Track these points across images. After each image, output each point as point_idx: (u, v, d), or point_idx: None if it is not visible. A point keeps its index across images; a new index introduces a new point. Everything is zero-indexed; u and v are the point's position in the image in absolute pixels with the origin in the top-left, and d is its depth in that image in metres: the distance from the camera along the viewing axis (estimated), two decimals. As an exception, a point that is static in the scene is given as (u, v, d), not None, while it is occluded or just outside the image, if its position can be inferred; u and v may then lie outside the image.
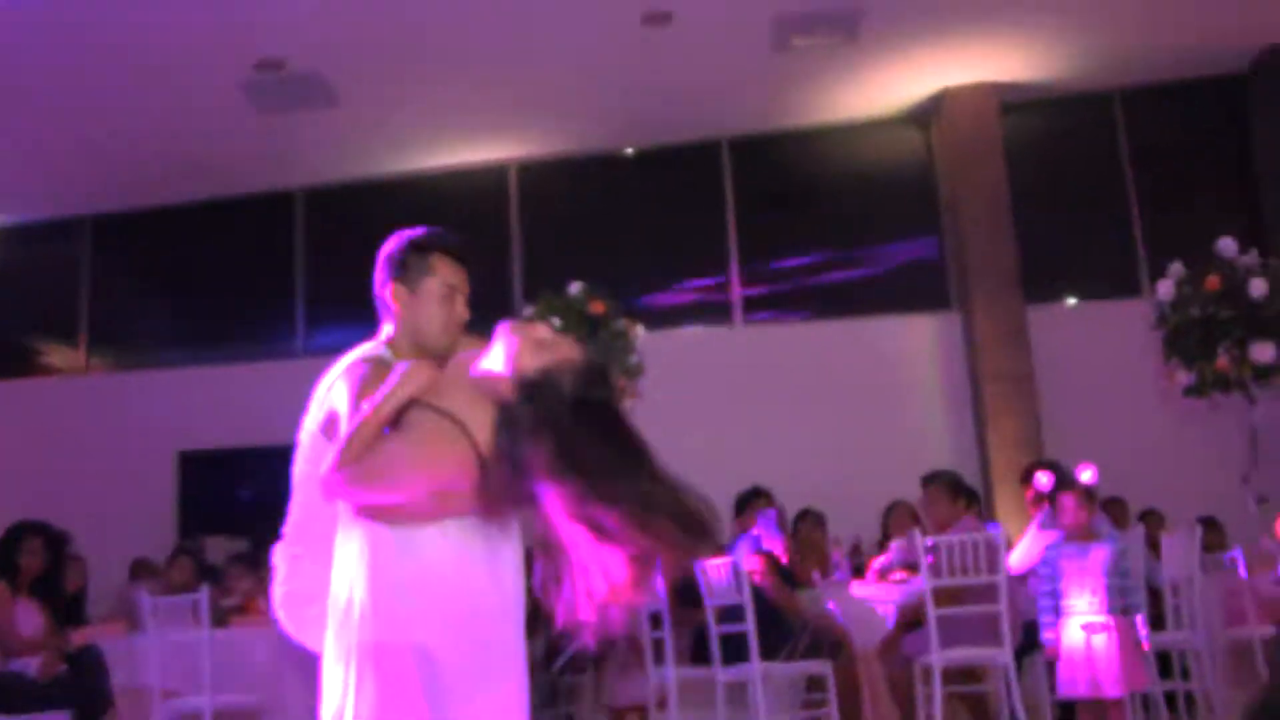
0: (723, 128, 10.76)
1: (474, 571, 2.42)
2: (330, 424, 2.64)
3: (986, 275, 9.94)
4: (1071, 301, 10.59)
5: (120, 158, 10.09)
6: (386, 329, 2.81)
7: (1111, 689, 4.94)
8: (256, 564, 7.49)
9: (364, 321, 12.52)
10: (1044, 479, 5.38)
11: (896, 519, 7.14)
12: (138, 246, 11.33)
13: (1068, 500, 5.20)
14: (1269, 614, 6.36)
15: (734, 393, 9.92)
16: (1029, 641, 5.64)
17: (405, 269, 2.77)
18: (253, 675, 6.06)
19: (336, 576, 2.50)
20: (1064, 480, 5.31)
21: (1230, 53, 10.15)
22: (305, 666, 6.27)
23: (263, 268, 11.24)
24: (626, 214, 11.01)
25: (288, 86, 9.24)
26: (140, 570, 8.42)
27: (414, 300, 2.77)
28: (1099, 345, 9.75)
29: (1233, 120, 10.65)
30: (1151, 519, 7.61)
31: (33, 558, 5.99)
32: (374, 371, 2.55)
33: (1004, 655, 5.32)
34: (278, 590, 2.84)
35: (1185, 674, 6.20)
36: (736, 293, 10.73)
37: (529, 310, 5.51)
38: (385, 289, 2.79)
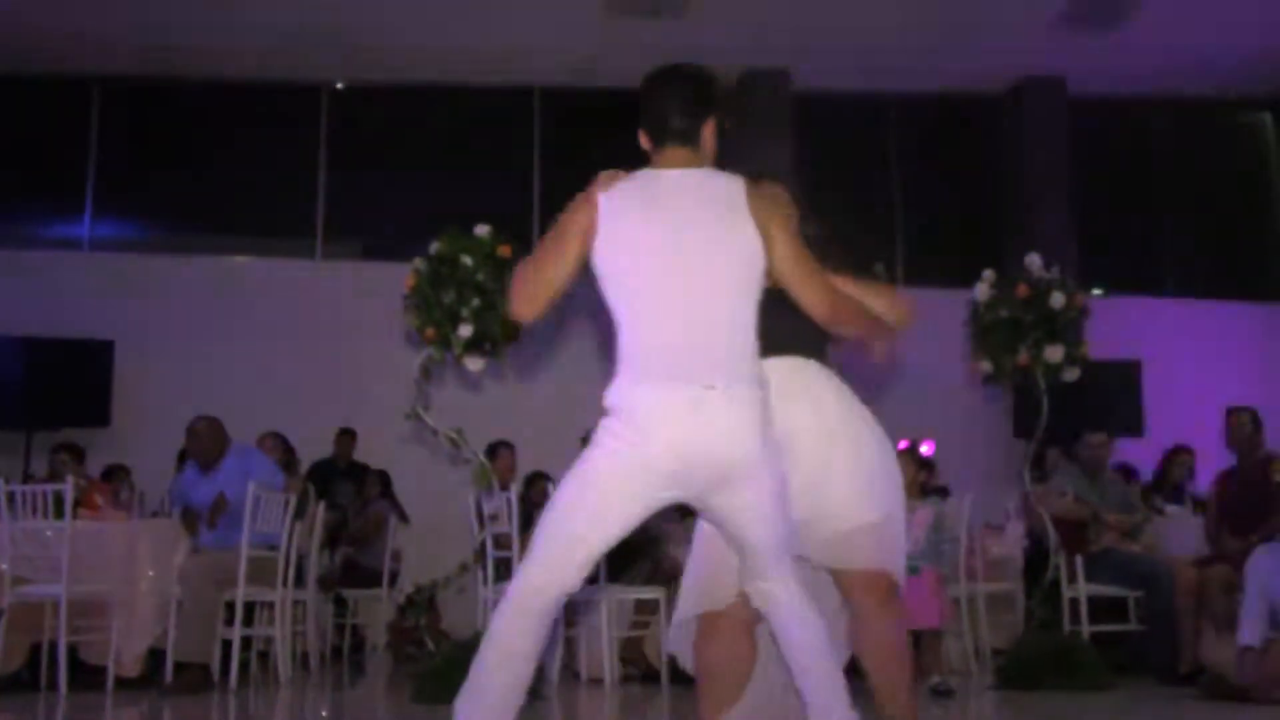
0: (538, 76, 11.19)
1: None
2: None
3: (766, 250, 10.79)
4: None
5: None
6: None
7: (929, 620, 5.77)
8: (82, 457, 7.46)
9: (153, 220, 12.26)
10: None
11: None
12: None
13: (906, 468, 6.05)
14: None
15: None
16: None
17: None
18: (104, 569, 6.16)
19: None
20: (908, 450, 6.24)
21: (992, 77, 11.43)
22: (159, 560, 6.42)
23: (53, 154, 10.75)
24: (434, 146, 11.23)
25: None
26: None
27: None
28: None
29: (987, 139, 11.98)
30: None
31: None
32: None
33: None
34: None
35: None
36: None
37: (434, 245, 5.77)
38: None
